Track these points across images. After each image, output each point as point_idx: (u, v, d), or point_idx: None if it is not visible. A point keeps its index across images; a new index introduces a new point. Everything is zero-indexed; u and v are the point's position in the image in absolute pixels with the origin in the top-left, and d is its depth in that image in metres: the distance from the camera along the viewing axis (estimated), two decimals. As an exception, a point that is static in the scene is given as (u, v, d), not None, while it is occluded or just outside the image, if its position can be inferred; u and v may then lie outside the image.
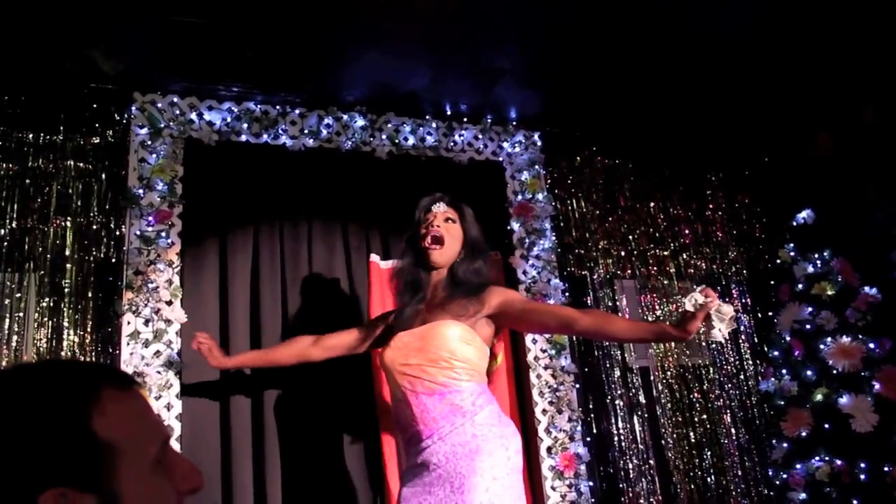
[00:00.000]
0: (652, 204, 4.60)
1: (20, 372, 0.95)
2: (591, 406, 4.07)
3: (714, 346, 4.47)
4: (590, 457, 3.87)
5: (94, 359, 3.35)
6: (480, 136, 4.20)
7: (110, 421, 0.90)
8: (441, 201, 2.79)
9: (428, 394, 2.48)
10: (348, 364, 3.54)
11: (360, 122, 3.93)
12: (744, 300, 4.68)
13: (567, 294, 4.09)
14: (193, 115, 3.68)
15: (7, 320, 3.31)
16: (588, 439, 3.94)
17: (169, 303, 3.38)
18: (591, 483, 3.85)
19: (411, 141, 4.03)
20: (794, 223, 4.29)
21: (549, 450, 3.81)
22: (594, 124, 4.42)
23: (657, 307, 4.40)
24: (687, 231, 4.65)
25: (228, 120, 3.73)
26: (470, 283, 2.61)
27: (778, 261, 4.39)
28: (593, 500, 3.84)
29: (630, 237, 4.46)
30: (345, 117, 3.92)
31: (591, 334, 3.01)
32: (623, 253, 4.40)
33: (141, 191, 3.49)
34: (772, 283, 4.58)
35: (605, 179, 4.49)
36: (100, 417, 0.89)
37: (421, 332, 2.56)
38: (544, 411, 3.86)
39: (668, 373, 4.30)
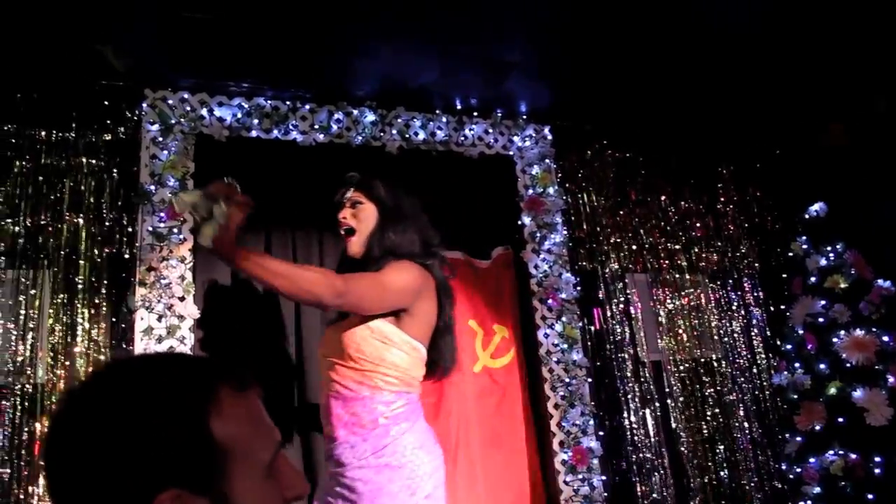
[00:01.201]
0: (663, 197, 4.57)
1: (140, 366, 0.94)
2: (603, 400, 4.05)
3: (727, 339, 4.45)
4: (602, 451, 3.86)
5: (107, 354, 3.37)
6: (491, 131, 4.18)
7: (227, 423, 0.88)
8: (348, 188, 2.59)
9: (334, 395, 2.28)
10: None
11: (371, 116, 3.92)
12: (756, 293, 4.65)
13: (578, 288, 4.08)
14: (204, 112, 3.69)
15: (22, 316, 3.33)
16: (601, 433, 3.93)
17: (182, 298, 3.38)
18: (604, 477, 3.85)
19: (422, 136, 4.02)
20: (807, 216, 4.26)
21: (561, 444, 3.80)
22: (605, 117, 4.40)
23: (669, 301, 4.38)
24: (698, 224, 4.63)
25: (239, 116, 3.73)
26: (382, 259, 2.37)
27: (790, 254, 4.35)
28: (606, 494, 3.83)
29: (641, 231, 4.44)
30: (355, 112, 3.92)
31: None
32: (634, 247, 4.38)
33: (153, 187, 3.51)
34: (784, 276, 4.55)
35: (616, 173, 4.47)
36: (217, 419, 0.87)
37: (341, 325, 2.37)
38: (556, 405, 3.86)
39: (681, 367, 4.28)
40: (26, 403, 3.21)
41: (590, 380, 3.97)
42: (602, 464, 3.87)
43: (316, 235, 3.74)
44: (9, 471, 3.11)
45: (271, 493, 0.92)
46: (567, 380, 3.90)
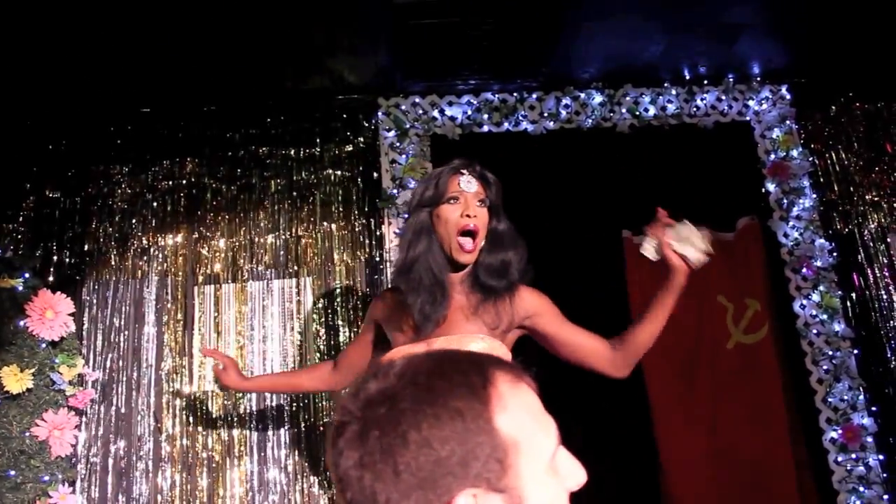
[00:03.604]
0: (925, 146, 4.16)
1: (417, 367, 0.91)
2: (873, 373, 3.74)
3: None
4: (877, 428, 3.59)
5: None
6: (724, 98, 4.00)
7: (512, 417, 0.87)
8: (472, 175, 2.26)
9: None
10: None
11: (598, 98, 3.89)
12: None
13: (835, 254, 3.82)
14: (436, 113, 3.83)
15: (290, 322, 3.60)
16: (873, 409, 3.65)
17: (432, 295, 3.51)
18: (881, 456, 3.56)
19: (652, 111, 3.93)
20: None
21: (828, 421, 3.58)
22: (847, 68, 4.06)
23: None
24: (969, 172, 4.16)
25: (469, 113, 3.84)
26: (493, 282, 2.21)
27: None
28: (885, 475, 3.55)
29: (901, 186, 4.06)
30: (582, 96, 3.90)
31: (624, 366, 2.32)
32: (896, 204, 4.03)
33: (395, 191, 3.68)
34: None
35: (867, 126, 4.11)
36: (503, 414, 0.86)
37: (443, 347, 2.14)
38: (820, 380, 3.64)
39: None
40: (303, 401, 3.47)
41: (856, 351, 3.70)
42: (877, 442, 3.59)
43: (554, 223, 3.72)
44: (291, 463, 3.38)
45: (557, 486, 0.90)
46: (830, 352, 3.67)
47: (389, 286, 2.51)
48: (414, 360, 0.91)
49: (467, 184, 2.23)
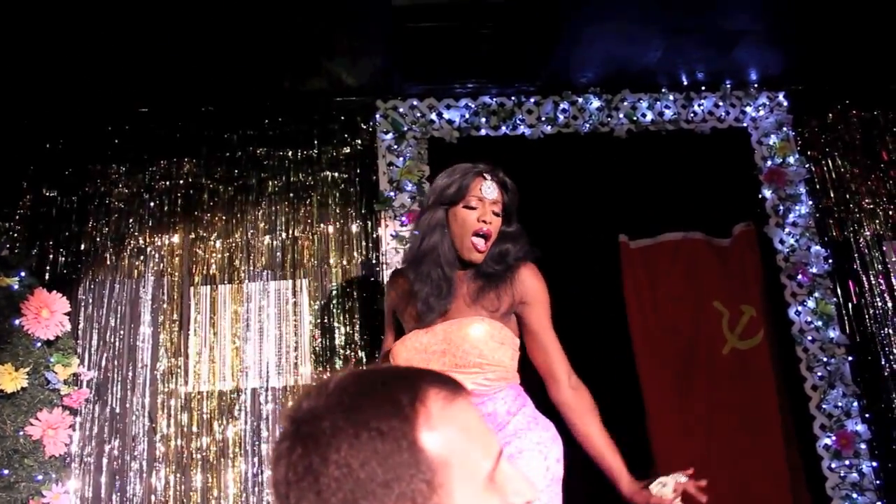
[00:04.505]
0: (921, 154, 4.17)
1: (350, 384, 0.90)
2: (867, 380, 3.75)
3: None
4: (870, 434, 3.59)
5: (363, 354, 3.57)
6: (721, 104, 4.01)
7: (441, 435, 0.85)
8: (494, 181, 2.35)
9: None
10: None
11: (596, 103, 3.90)
12: None
13: (830, 261, 3.83)
14: (433, 116, 3.83)
15: (285, 323, 3.60)
16: (867, 416, 3.65)
17: (428, 298, 3.51)
18: (874, 463, 3.57)
19: (649, 116, 3.94)
20: None
21: (822, 427, 3.58)
22: (845, 76, 4.08)
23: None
24: (964, 182, 4.18)
25: (467, 116, 3.84)
26: (492, 269, 2.30)
27: None
28: (878, 481, 3.55)
29: (898, 194, 4.07)
30: (580, 100, 3.91)
31: (558, 406, 2.33)
32: (891, 211, 4.03)
33: (392, 193, 3.68)
34: None
35: (863, 134, 4.12)
36: (429, 433, 0.85)
37: (444, 331, 2.25)
38: (815, 387, 3.64)
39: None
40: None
41: (850, 358, 3.71)
42: (871, 449, 3.60)
43: (550, 228, 3.71)
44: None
45: (496, 502, 0.88)
46: (824, 359, 3.67)
47: (399, 268, 2.57)
48: (346, 378, 0.90)
49: (489, 190, 2.31)
